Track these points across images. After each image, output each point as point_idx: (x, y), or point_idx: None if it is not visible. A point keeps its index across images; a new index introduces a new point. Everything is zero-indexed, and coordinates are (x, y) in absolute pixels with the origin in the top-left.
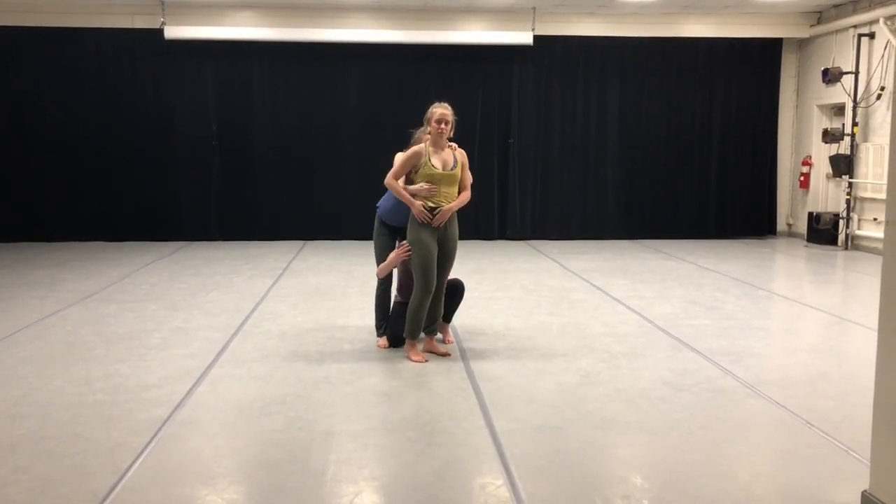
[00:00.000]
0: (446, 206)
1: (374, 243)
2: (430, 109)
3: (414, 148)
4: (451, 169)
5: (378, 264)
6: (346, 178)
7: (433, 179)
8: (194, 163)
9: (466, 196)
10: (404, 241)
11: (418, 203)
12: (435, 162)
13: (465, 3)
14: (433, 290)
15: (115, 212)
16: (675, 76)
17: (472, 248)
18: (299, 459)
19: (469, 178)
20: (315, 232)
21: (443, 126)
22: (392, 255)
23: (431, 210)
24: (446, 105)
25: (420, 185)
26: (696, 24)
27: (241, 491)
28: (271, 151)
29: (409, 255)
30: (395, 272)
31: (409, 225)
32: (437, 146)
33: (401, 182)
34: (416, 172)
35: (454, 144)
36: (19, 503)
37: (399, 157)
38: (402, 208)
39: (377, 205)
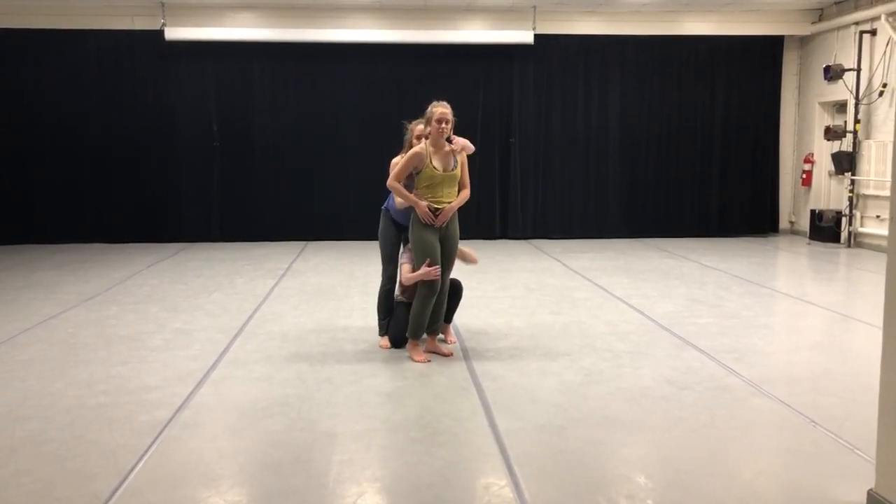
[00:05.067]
0: (448, 206)
1: (380, 239)
2: (429, 109)
3: (415, 149)
4: (452, 169)
5: (384, 260)
6: (347, 179)
7: (435, 181)
8: (195, 164)
9: (466, 194)
10: (435, 266)
11: (423, 203)
12: (436, 163)
13: (466, 2)
14: (437, 290)
15: (117, 213)
16: (677, 74)
17: (474, 248)
18: (302, 460)
19: (468, 178)
20: (316, 232)
21: (443, 125)
22: (422, 271)
23: (434, 211)
24: (446, 104)
25: (423, 207)
26: (697, 22)
27: (244, 493)
28: (272, 152)
29: (438, 273)
30: (398, 272)
31: (410, 225)
32: (437, 146)
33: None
34: (418, 174)
35: (456, 141)
36: None
37: (396, 163)
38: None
39: (385, 206)
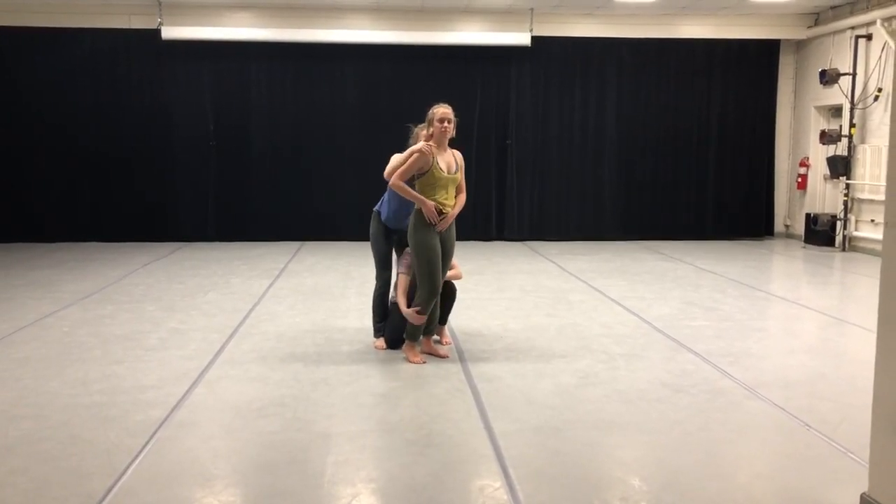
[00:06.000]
0: (451, 212)
1: (372, 243)
2: (431, 110)
3: (420, 149)
4: (454, 172)
5: (377, 264)
6: (343, 179)
7: (440, 182)
8: (192, 163)
9: (463, 198)
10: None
11: (431, 203)
12: (441, 164)
13: (463, 3)
14: (438, 293)
15: (113, 212)
16: (673, 77)
17: (470, 249)
18: (297, 461)
19: (464, 181)
20: (312, 232)
21: (446, 125)
22: (408, 312)
23: (438, 213)
24: (447, 105)
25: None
26: (693, 26)
27: (239, 493)
28: (269, 152)
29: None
30: (395, 273)
31: (411, 229)
32: (440, 147)
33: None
34: (422, 175)
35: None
36: None
37: (396, 158)
38: (404, 212)
39: (376, 209)
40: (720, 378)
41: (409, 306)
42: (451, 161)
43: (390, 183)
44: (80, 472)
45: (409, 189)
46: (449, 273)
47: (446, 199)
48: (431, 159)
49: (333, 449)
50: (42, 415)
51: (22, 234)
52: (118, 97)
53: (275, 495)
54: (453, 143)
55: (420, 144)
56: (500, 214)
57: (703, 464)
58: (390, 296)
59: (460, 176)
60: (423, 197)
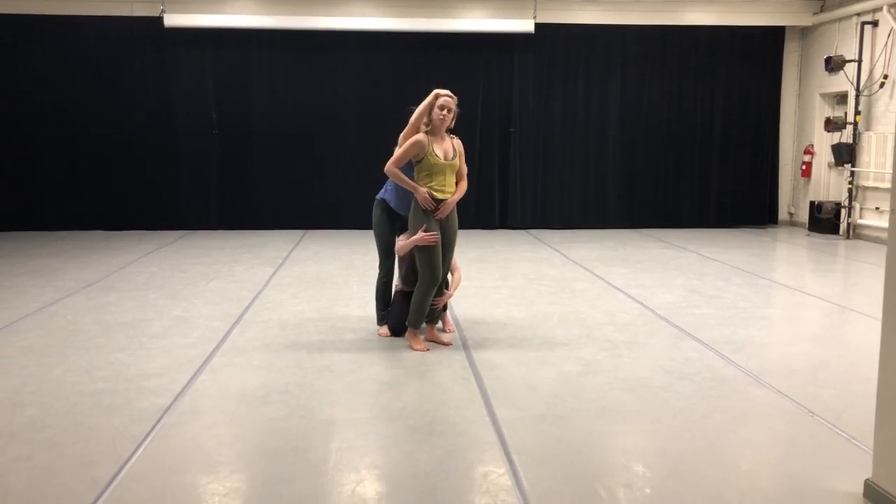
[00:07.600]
0: (450, 199)
1: (375, 230)
2: (434, 93)
3: (416, 136)
4: (452, 159)
5: (380, 252)
6: (346, 167)
7: (436, 169)
8: (194, 151)
9: (464, 186)
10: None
11: (423, 189)
12: (437, 151)
13: None
14: (439, 280)
15: (116, 200)
16: (677, 64)
17: (473, 238)
18: (301, 448)
19: (465, 168)
20: (315, 221)
21: (445, 113)
22: (418, 236)
23: (436, 202)
24: (451, 95)
25: (422, 194)
26: (698, 12)
27: (243, 479)
28: (271, 140)
29: (435, 238)
30: (398, 260)
31: (411, 216)
32: (437, 134)
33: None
34: (419, 162)
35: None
36: (20, 491)
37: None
38: (407, 196)
39: (379, 196)
40: (723, 366)
41: (403, 286)
42: (448, 148)
43: (385, 168)
44: (84, 459)
45: (403, 176)
46: (448, 288)
47: (444, 185)
48: (427, 146)
49: (337, 436)
50: (46, 402)
51: (24, 223)
52: (120, 85)
53: (279, 482)
54: (456, 132)
55: (419, 135)
56: (503, 203)
57: (706, 451)
58: (394, 284)
59: (458, 163)
60: (414, 184)
